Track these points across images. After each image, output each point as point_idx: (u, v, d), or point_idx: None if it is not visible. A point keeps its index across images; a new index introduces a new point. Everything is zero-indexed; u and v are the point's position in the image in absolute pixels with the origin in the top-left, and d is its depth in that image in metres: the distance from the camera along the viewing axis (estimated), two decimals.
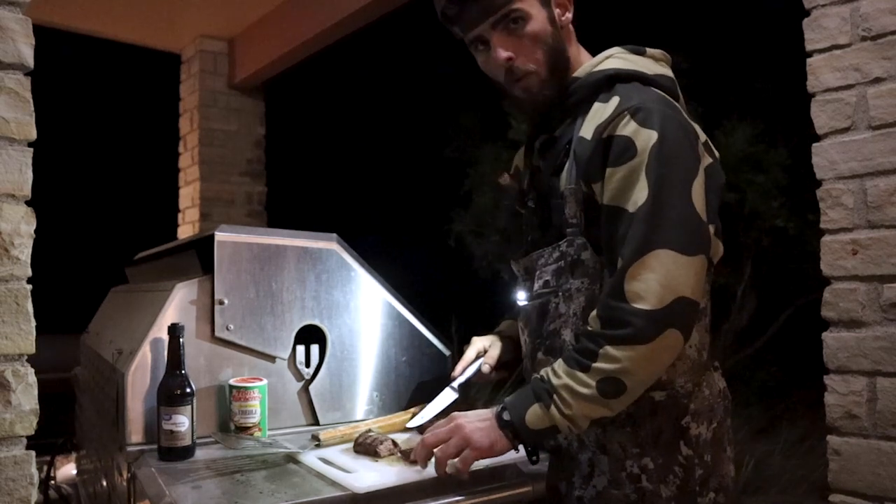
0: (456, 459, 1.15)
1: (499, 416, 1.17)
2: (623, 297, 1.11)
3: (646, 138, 1.14)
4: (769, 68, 4.74)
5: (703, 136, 1.26)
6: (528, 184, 1.39)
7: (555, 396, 1.13)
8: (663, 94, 1.24)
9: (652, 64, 1.30)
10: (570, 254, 1.24)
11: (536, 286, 1.31)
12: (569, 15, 1.31)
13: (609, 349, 1.11)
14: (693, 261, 1.12)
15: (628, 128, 1.16)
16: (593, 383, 1.11)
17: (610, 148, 1.17)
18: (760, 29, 4.81)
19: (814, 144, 1.52)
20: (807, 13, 1.53)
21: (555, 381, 1.14)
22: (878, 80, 1.42)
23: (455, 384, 1.45)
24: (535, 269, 1.32)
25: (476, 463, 1.19)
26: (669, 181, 1.13)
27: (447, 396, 1.45)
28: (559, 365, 1.16)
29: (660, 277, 1.10)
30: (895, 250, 1.39)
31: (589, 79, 1.28)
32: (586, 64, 1.31)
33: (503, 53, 1.25)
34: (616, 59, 1.29)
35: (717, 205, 1.24)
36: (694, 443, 1.23)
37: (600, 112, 1.22)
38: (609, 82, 1.25)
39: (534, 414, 1.14)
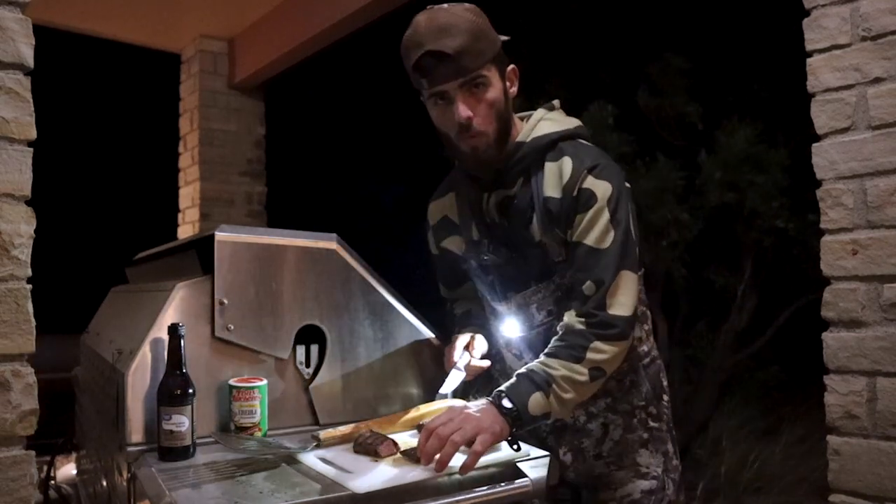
0: (475, 443, 1.21)
1: (499, 405, 1.30)
2: (605, 308, 1.39)
3: (604, 189, 1.42)
4: (769, 68, 4.74)
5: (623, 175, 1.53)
6: (487, 236, 1.55)
7: (554, 385, 1.33)
8: (592, 145, 1.51)
9: (566, 118, 1.55)
10: (565, 284, 1.47)
11: (540, 317, 1.52)
12: (514, 90, 1.50)
13: (598, 344, 1.37)
14: (637, 277, 1.46)
15: (588, 182, 1.43)
16: (586, 371, 1.36)
17: (578, 199, 1.43)
18: (760, 29, 4.81)
19: (814, 144, 1.52)
20: (807, 13, 1.53)
21: (553, 372, 1.34)
22: (878, 80, 1.42)
23: (460, 365, 1.53)
24: (530, 304, 1.52)
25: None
26: (625, 221, 1.43)
27: (458, 375, 1.53)
28: (549, 360, 1.37)
29: (628, 292, 1.41)
30: (895, 250, 1.39)
31: (535, 143, 1.48)
32: (525, 129, 1.51)
33: (465, 112, 1.40)
34: (546, 121, 1.52)
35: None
36: (668, 392, 1.63)
37: (556, 171, 1.46)
38: (552, 144, 1.49)
39: (535, 401, 1.31)
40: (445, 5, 1.39)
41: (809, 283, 3.60)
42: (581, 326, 1.38)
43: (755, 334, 4.63)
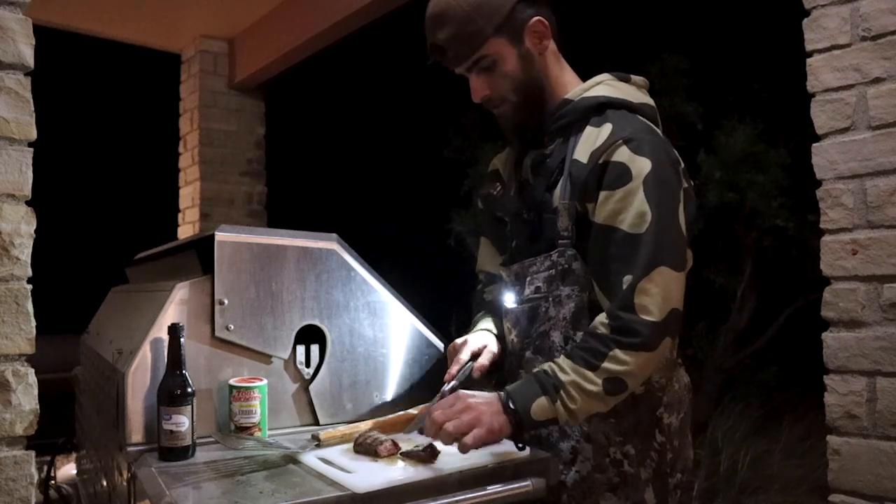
0: (467, 436, 1.19)
1: (505, 404, 1.24)
2: (633, 309, 1.24)
3: (640, 166, 1.28)
4: (769, 68, 4.74)
5: (682, 163, 1.40)
6: (517, 195, 1.49)
7: (562, 392, 1.24)
8: (648, 122, 1.38)
9: (636, 92, 1.44)
10: (562, 263, 1.36)
11: (528, 291, 1.43)
12: (546, 42, 1.41)
13: (618, 353, 1.23)
14: (681, 276, 1.29)
15: (623, 155, 1.29)
16: (600, 381, 1.23)
17: (605, 172, 1.30)
18: (760, 29, 4.81)
19: (814, 144, 1.52)
20: (807, 13, 1.53)
21: (562, 377, 1.24)
22: (877, 80, 1.42)
23: (447, 388, 1.43)
24: (527, 275, 1.43)
25: (476, 461, 1.20)
26: (667, 206, 1.28)
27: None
28: (564, 362, 1.26)
29: (662, 292, 1.25)
30: (895, 250, 1.39)
31: (581, 103, 1.39)
32: (577, 88, 1.42)
33: (475, 95, 1.42)
34: (606, 85, 1.41)
35: (690, 224, 1.38)
36: (666, 430, 1.40)
37: (593, 136, 1.34)
38: (600, 108, 1.37)
39: (539, 406, 1.24)
40: None
41: (809, 283, 3.60)
42: (604, 330, 1.25)
43: (755, 334, 4.63)
